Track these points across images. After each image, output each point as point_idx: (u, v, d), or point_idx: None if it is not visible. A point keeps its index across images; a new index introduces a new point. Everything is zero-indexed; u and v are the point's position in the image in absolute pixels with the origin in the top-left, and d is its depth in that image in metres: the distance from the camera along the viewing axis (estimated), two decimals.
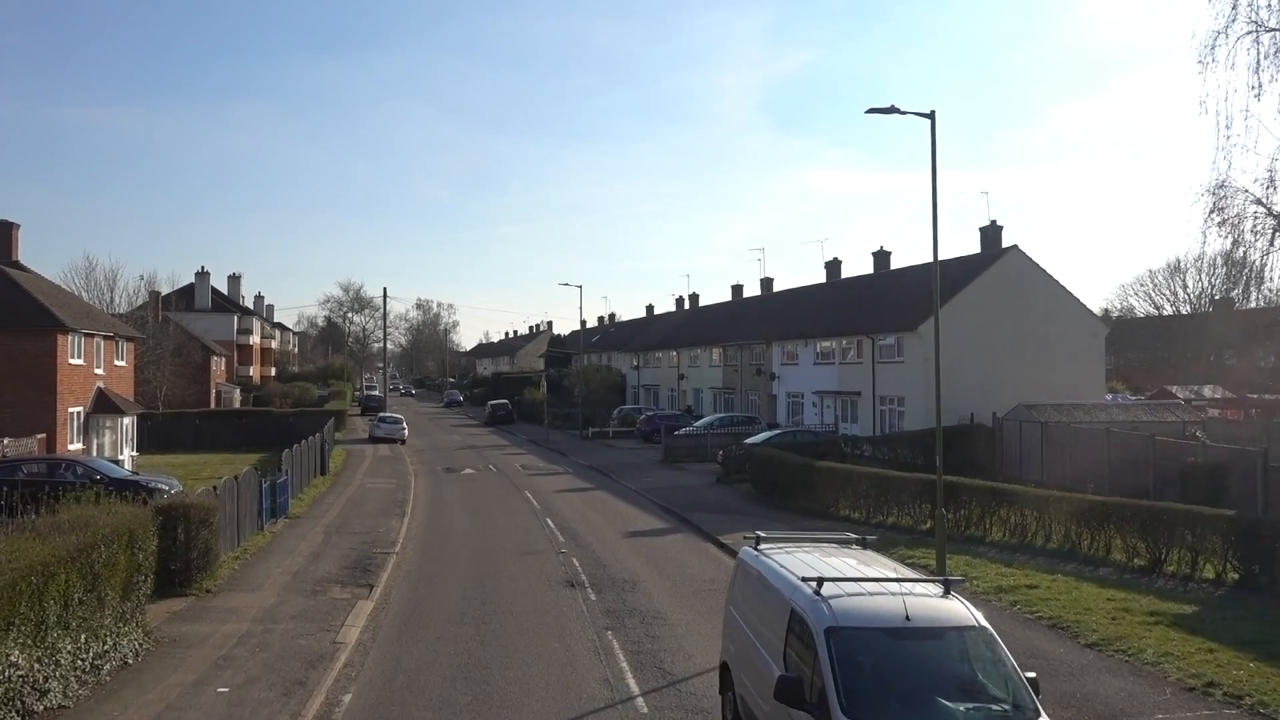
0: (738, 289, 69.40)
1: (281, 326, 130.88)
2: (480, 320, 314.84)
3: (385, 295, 72.23)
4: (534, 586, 18.16)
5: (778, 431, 37.79)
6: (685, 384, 64.80)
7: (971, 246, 43.59)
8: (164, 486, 24.77)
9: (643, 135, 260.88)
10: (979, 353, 38.37)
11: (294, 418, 49.93)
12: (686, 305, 79.19)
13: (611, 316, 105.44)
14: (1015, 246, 40.01)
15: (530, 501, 30.21)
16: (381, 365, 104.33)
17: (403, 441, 52.39)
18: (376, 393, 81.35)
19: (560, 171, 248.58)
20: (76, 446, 32.86)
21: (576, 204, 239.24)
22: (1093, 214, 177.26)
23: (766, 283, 64.17)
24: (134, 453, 36.64)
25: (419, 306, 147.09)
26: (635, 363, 75.48)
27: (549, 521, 26.03)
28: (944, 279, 42.64)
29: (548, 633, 14.92)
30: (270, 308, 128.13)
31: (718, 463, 37.64)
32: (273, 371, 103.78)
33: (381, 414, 58.34)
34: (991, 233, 41.55)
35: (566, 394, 68.25)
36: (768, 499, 29.01)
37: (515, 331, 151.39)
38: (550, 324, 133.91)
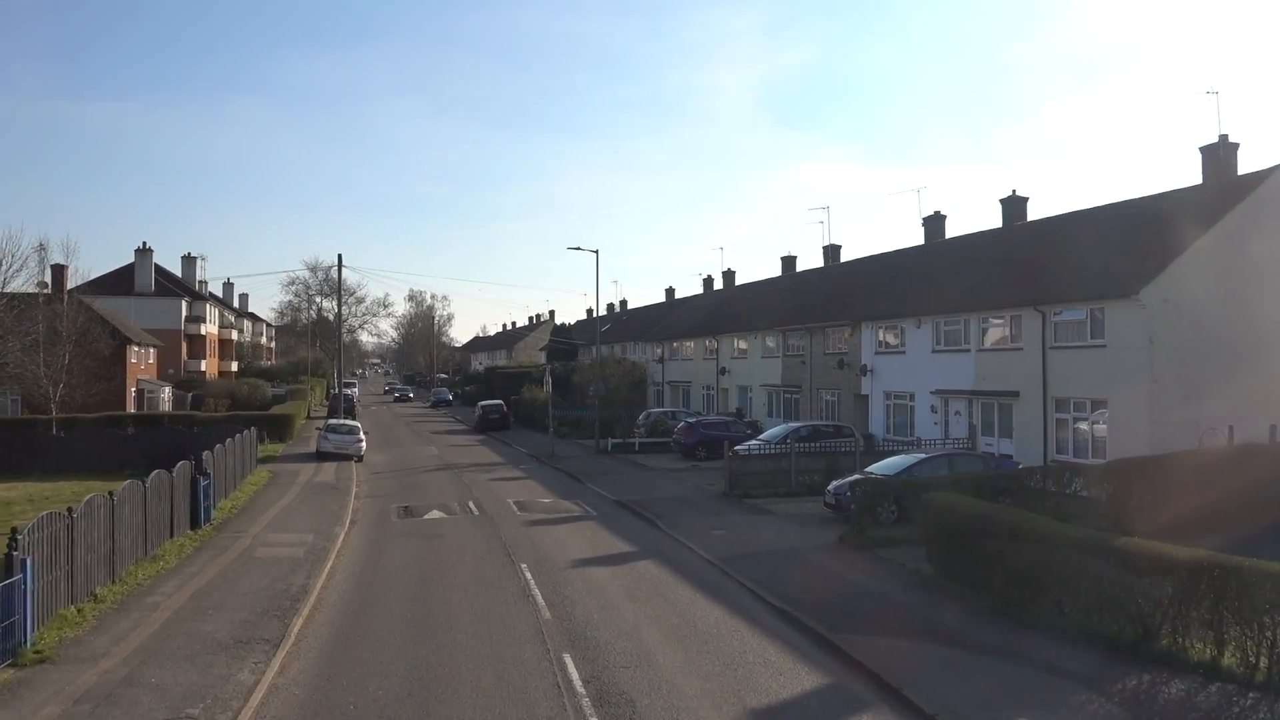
0: (789, 261, 55.47)
1: (254, 317, 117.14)
2: (477, 315, 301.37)
3: (340, 263, 58.07)
4: None
5: (921, 457, 24.05)
6: (728, 379, 51.08)
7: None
8: None
9: (641, 132, 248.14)
10: (1235, 333, 24.87)
11: (201, 426, 36.22)
12: (718, 285, 65.43)
13: (623, 303, 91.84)
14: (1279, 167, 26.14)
15: (532, 596, 16.46)
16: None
17: (359, 458, 38.85)
18: (347, 391, 67.23)
19: (558, 168, 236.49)
20: None
21: (575, 200, 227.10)
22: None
23: (832, 250, 50.24)
24: None
25: (411, 298, 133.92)
26: (660, 354, 61.73)
27: (570, 666, 12.38)
28: (1164, 220, 28.81)
29: None
30: (244, 297, 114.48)
31: (826, 504, 24.04)
32: (234, 366, 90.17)
33: (330, 421, 43.77)
34: (1222, 154, 27.73)
35: (574, 392, 54.86)
36: (973, 590, 15.42)
37: (514, 323, 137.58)
38: (552, 313, 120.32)
